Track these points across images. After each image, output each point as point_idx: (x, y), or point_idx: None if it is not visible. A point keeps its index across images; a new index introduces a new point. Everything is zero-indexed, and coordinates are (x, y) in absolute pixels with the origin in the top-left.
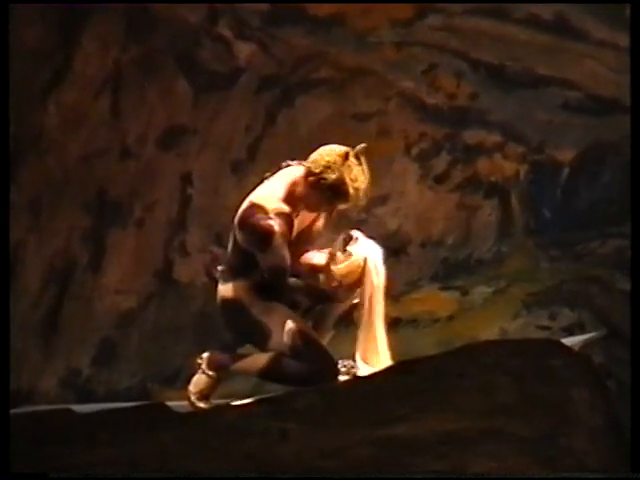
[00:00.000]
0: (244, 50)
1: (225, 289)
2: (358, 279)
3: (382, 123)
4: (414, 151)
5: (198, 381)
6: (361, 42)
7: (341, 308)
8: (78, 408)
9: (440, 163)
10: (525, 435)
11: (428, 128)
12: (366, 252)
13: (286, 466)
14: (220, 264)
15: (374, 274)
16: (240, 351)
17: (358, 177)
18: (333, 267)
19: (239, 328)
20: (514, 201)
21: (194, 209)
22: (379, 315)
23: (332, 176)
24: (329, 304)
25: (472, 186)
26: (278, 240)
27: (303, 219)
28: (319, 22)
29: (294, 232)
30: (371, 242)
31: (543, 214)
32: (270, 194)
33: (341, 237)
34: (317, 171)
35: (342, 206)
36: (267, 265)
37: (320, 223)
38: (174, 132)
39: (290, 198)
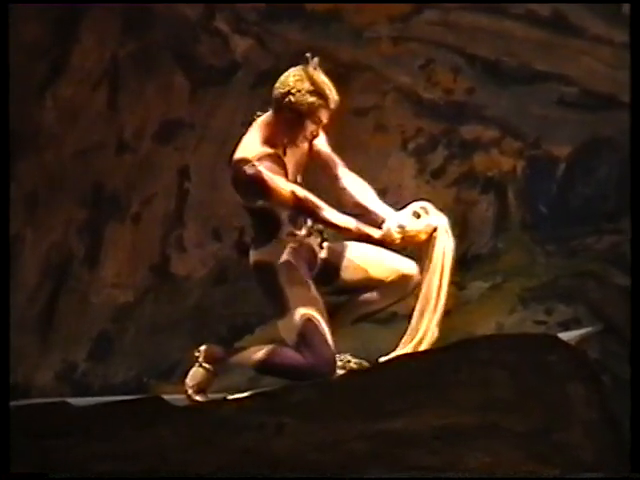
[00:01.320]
0: (241, 45)
1: (258, 253)
2: (423, 244)
3: (379, 118)
4: (411, 146)
5: (195, 374)
6: (358, 37)
7: (370, 307)
8: (75, 401)
9: (437, 158)
10: (520, 430)
11: (425, 123)
12: (437, 221)
13: (282, 460)
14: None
15: (446, 240)
16: (237, 344)
17: (323, 80)
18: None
19: (267, 293)
20: (511, 196)
21: (191, 203)
22: (445, 287)
23: (299, 92)
24: (359, 300)
25: (469, 181)
26: (273, 180)
27: (298, 156)
28: (316, 17)
29: (292, 169)
30: (440, 214)
31: (539, 209)
32: (248, 144)
33: (409, 210)
34: (282, 96)
35: (324, 116)
36: (285, 205)
37: (319, 147)
38: (171, 126)
39: (269, 139)
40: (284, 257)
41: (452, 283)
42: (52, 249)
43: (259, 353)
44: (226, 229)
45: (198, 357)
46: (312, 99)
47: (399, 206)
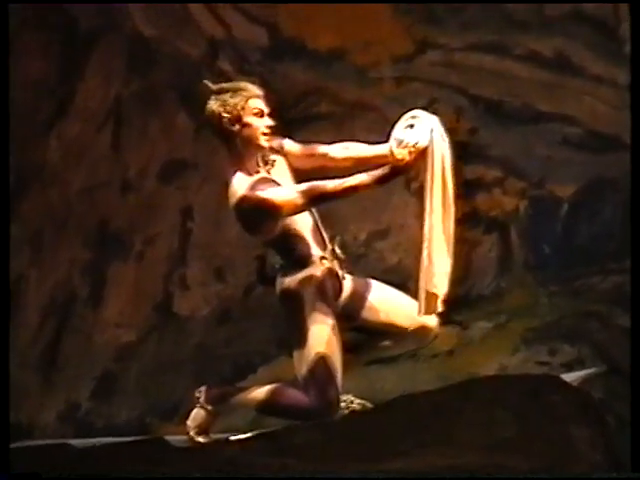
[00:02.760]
0: None
1: (288, 280)
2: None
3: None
4: (414, 186)
5: (196, 415)
6: (361, 77)
7: (385, 353)
8: (77, 442)
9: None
10: (524, 470)
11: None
12: (431, 124)
13: None
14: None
15: (442, 144)
16: (240, 384)
17: (229, 84)
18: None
19: (289, 321)
20: (514, 236)
21: (194, 243)
22: (450, 192)
23: (224, 108)
24: (377, 345)
25: (472, 221)
26: (273, 194)
27: (282, 170)
28: (319, 57)
29: (284, 183)
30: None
31: (543, 249)
32: (235, 187)
33: (401, 125)
34: (219, 122)
35: (259, 104)
36: (299, 206)
37: (291, 149)
38: (175, 166)
39: (245, 169)
40: (313, 288)
41: (455, 323)
42: (56, 288)
43: (261, 393)
44: (229, 268)
45: (199, 398)
46: (235, 100)
47: (402, 247)
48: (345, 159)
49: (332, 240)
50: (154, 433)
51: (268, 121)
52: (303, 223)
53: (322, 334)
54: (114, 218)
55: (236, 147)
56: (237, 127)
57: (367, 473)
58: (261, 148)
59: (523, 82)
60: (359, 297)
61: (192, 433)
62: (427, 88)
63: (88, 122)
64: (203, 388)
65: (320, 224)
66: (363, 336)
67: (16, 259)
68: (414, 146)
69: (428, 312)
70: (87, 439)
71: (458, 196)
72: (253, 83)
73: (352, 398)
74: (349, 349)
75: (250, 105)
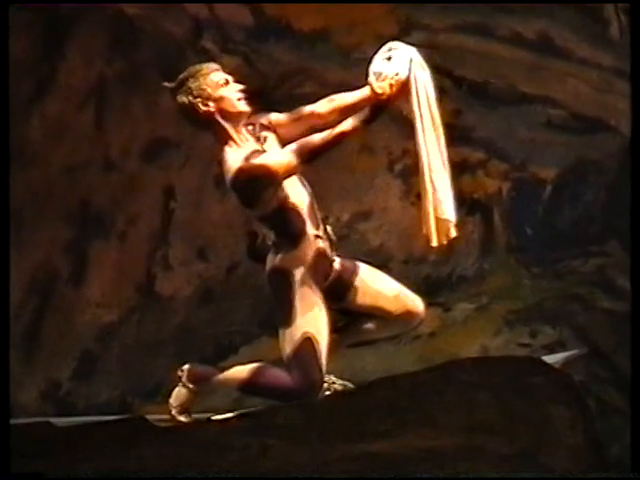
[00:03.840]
0: (228, 64)
1: (280, 258)
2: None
3: (365, 139)
4: (397, 167)
5: (178, 394)
6: (345, 58)
7: (370, 336)
8: (57, 421)
9: None
10: (505, 452)
11: (411, 144)
12: (410, 54)
13: None
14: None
15: (423, 74)
16: (221, 364)
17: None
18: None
19: (277, 300)
20: (496, 218)
21: (177, 223)
22: (438, 120)
23: (192, 94)
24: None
25: (455, 203)
26: (266, 159)
27: (276, 144)
28: (304, 37)
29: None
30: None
31: (525, 232)
32: (230, 163)
33: (379, 58)
34: (194, 110)
35: (221, 77)
36: (294, 166)
37: (276, 120)
38: (158, 145)
39: (237, 145)
40: (304, 267)
41: (437, 304)
42: (37, 267)
43: (243, 373)
44: (212, 248)
45: (181, 377)
46: (197, 83)
47: (385, 228)
48: (331, 112)
49: (325, 220)
50: (135, 412)
51: (237, 86)
52: (300, 199)
53: (310, 314)
54: (96, 197)
55: (220, 125)
56: (212, 105)
57: (348, 454)
58: (244, 114)
59: (507, 64)
60: (346, 279)
61: (174, 412)
62: None
63: (70, 101)
64: (185, 367)
65: (315, 204)
66: (347, 318)
67: None
68: (394, 78)
69: (440, 240)
70: (68, 418)
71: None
72: (237, 63)
73: (334, 379)
74: (333, 330)
75: (213, 79)
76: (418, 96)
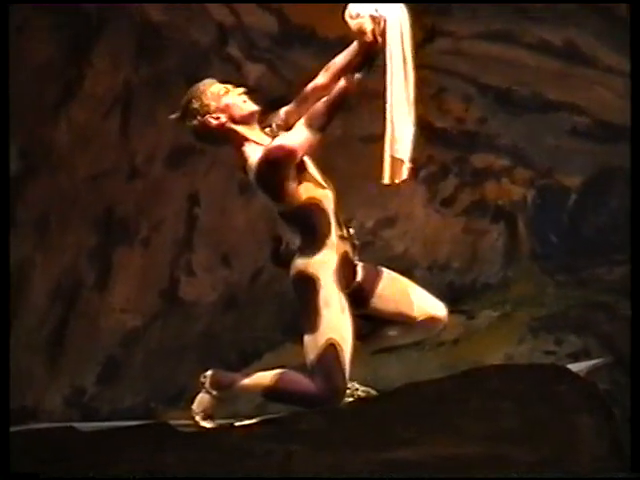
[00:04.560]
0: (253, 71)
1: (304, 262)
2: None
3: None
4: (421, 174)
5: (201, 400)
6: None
7: (393, 342)
8: (81, 426)
9: (447, 186)
10: (529, 461)
11: (436, 151)
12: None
13: None
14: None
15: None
16: (245, 371)
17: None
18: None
19: (302, 305)
20: (521, 226)
21: (201, 229)
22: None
23: (203, 113)
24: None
25: (479, 210)
26: (285, 140)
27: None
28: (329, 44)
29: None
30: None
31: (550, 239)
32: (253, 158)
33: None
34: (207, 122)
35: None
36: (312, 140)
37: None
38: (182, 152)
39: (251, 144)
40: (329, 272)
41: (461, 312)
42: (62, 273)
43: (266, 379)
44: (235, 254)
45: (204, 383)
46: (199, 102)
47: (409, 235)
48: (332, 79)
49: (348, 224)
50: (159, 418)
51: (238, 90)
52: (325, 198)
53: (335, 320)
54: (121, 203)
55: (235, 131)
56: (222, 116)
57: (371, 461)
58: (254, 113)
59: (532, 71)
60: (370, 285)
61: (197, 418)
62: (435, 76)
63: (96, 107)
64: (209, 373)
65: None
66: (371, 324)
67: (22, 243)
68: (372, 16)
69: (393, 178)
70: (92, 423)
71: (466, 184)
72: (262, 70)
73: (357, 385)
74: (356, 336)
75: (214, 92)
76: (392, 33)
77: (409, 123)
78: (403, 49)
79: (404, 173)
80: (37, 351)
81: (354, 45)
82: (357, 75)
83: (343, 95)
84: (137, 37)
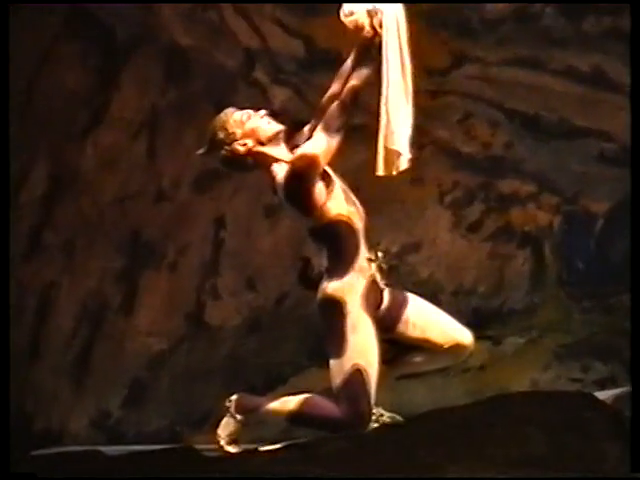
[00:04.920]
0: (279, 95)
1: (332, 285)
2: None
3: (416, 171)
4: (447, 199)
5: (226, 425)
6: None
7: (419, 368)
8: (107, 450)
9: (473, 212)
10: None
11: (462, 176)
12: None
13: None
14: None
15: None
16: (270, 395)
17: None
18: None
19: (329, 330)
20: (547, 251)
21: (226, 252)
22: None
23: (229, 142)
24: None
25: (505, 235)
26: (307, 150)
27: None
28: None
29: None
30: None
31: (576, 265)
32: (278, 177)
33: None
34: (236, 151)
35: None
36: (331, 145)
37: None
38: (208, 176)
39: (279, 162)
40: (357, 297)
41: (487, 337)
42: (88, 296)
43: (292, 403)
44: (261, 278)
45: (229, 407)
46: (224, 132)
47: (434, 260)
48: (344, 84)
49: (376, 247)
50: (184, 442)
51: (260, 112)
52: (354, 216)
53: (362, 345)
54: (147, 227)
55: (264, 153)
56: (248, 142)
57: None
58: (280, 132)
59: (559, 97)
60: (396, 310)
61: (222, 442)
62: (462, 101)
63: (123, 131)
64: (234, 397)
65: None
66: (396, 349)
67: (48, 266)
68: (368, 10)
69: (387, 170)
70: (118, 446)
71: (492, 210)
72: (288, 94)
73: (382, 411)
74: (382, 361)
75: (236, 119)
76: (388, 27)
77: (407, 114)
78: (400, 40)
79: (402, 164)
80: (63, 374)
81: (356, 48)
82: (363, 71)
83: (353, 93)
84: (165, 61)
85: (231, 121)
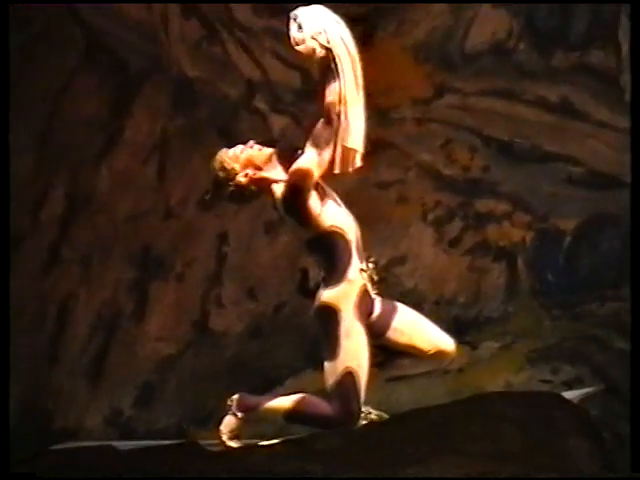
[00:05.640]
0: (278, 122)
1: (328, 293)
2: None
3: (401, 191)
4: (430, 217)
5: (228, 422)
6: (384, 118)
7: (405, 371)
8: (119, 445)
9: (453, 229)
10: None
11: (443, 196)
12: (314, 15)
13: None
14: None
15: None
16: (268, 395)
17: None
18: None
19: (324, 335)
20: (520, 265)
21: (229, 265)
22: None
23: (231, 177)
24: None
25: (482, 250)
26: (297, 170)
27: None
28: None
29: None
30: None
31: (547, 277)
32: (277, 194)
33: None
34: (240, 184)
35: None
36: (325, 153)
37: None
38: (213, 195)
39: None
40: (350, 305)
41: (465, 343)
42: (103, 305)
43: (288, 403)
44: (261, 289)
45: (231, 406)
46: (225, 171)
47: (418, 272)
48: (322, 102)
49: (368, 259)
50: (190, 438)
51: (250, 143)
52: (349, 228)
53: (354, 350)
54: (157, 242)
55: (264, 178)
56: (249, 171)
57: (384, 478)
58: (272, 155)
59: (531, 125)
60: (386, 318)
61: (224, 438)
62: (444, 129)
63: (135, 154)
64: (235, 397)
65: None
66: (385, 354)
67: (66, 278)
68: (312, 37)
69: (344, 168)
70: (129, 442)
71: (470, 227)
72: (286, 122)
73: (370, 409)
74: (372, 365)
75: (230, 155)
76: (337, 46)
77: (361, 116)
78: (348, 49)
79: (358, 161)
80: (79, 376)
81: (318, 74)
82: (332, 85)
83: (331, 107)
84: (173, 91)
85: (227, 159)
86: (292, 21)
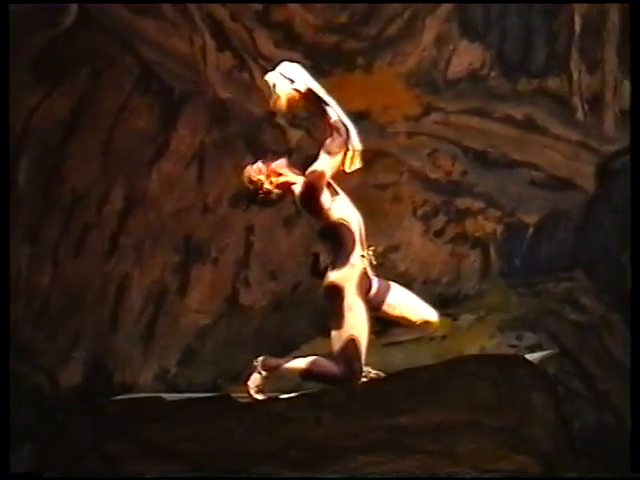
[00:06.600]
0: (295, 135)
1: (334, 275)
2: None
3: (396, 192)
4: (419, 213)
5: (254, 379)
6: (381, 132)
7: (397, 338)
8: (167, 396)
9: (438, 222)
10: (497, 426)
11: (430, 196)
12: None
13: (320, 444)
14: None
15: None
16: (286, 357)
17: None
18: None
19: (331, 310)
20: (492, 252)
21: (255, 252)
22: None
23: (259, 185)
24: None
25: (461, 240)
26: (318, 167)
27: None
28: (351, 116)
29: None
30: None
31: (514, 262)
32: (296, 193)
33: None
34: (267, 191)
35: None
36: (337, 151)
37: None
38: (242, 195)
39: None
40: (353, 285)
41: (447, 315)
42: (153, 283)
43: (303, 363)
44: (280, 271)
45: (257, 366)
46: (252, 184)
47: (409, 258)
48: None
49: (367, 247)
50: (223, 391)
51: (263, 159)
52: (354, 221)
53: (355, 321)
54: (196, 232)
55: (285, 182)
56: (272, 179)
57: (380, 425)
58: (284, 161)
59: (501, 137)
60: (382, 295)
61: (251, 392)
62: (431, 141)
63: (179, 162)
64: (260, 358)
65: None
66: (381, 324)
67: (123, 261)
68: (288, 90)
69: (352, 167)
70: (174, 394)
71: (452, 221)
72: (301, 135)
73: (369, 369)
74: (371, 333)
75: (254, 169)
76: (306, 81)
77: (350, 125)
78: (319, 88)
79: (357, 161)
80: (134, 341)
81: (307, 106)
82: (329, 108)
83: (337, 125)
84: (210, 110)
85: (252, 172)
86: (282, 78)
